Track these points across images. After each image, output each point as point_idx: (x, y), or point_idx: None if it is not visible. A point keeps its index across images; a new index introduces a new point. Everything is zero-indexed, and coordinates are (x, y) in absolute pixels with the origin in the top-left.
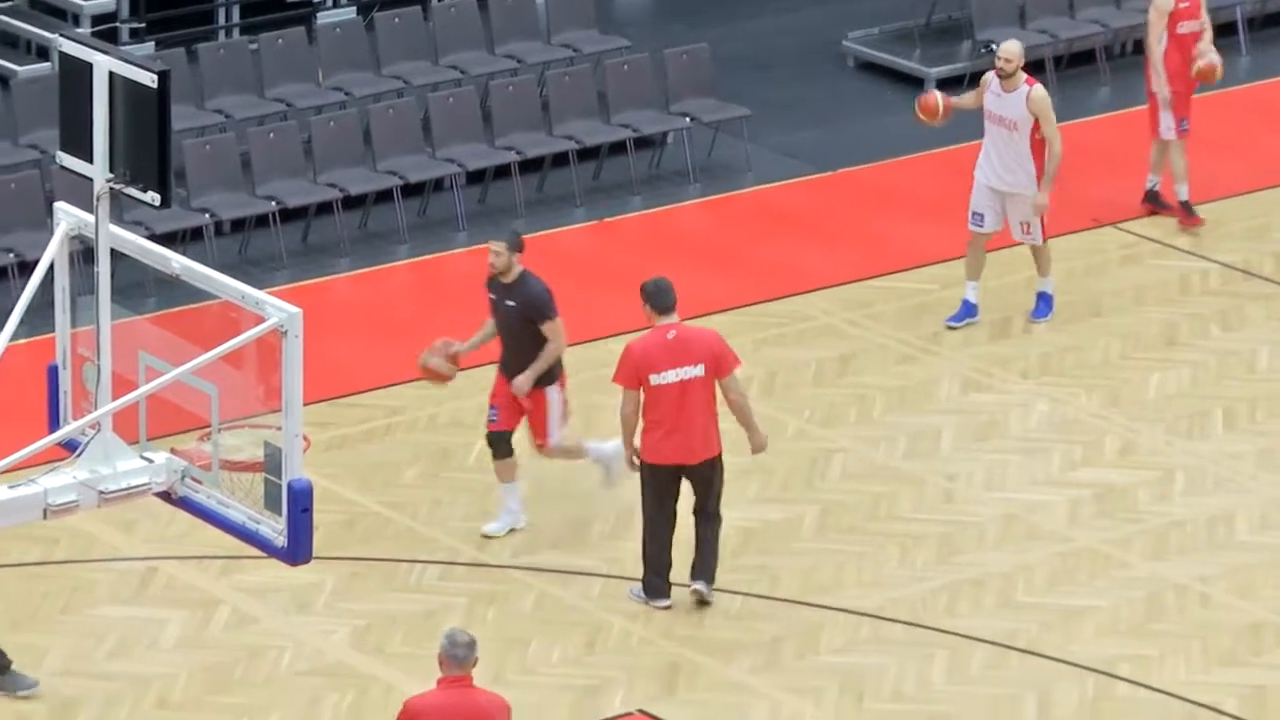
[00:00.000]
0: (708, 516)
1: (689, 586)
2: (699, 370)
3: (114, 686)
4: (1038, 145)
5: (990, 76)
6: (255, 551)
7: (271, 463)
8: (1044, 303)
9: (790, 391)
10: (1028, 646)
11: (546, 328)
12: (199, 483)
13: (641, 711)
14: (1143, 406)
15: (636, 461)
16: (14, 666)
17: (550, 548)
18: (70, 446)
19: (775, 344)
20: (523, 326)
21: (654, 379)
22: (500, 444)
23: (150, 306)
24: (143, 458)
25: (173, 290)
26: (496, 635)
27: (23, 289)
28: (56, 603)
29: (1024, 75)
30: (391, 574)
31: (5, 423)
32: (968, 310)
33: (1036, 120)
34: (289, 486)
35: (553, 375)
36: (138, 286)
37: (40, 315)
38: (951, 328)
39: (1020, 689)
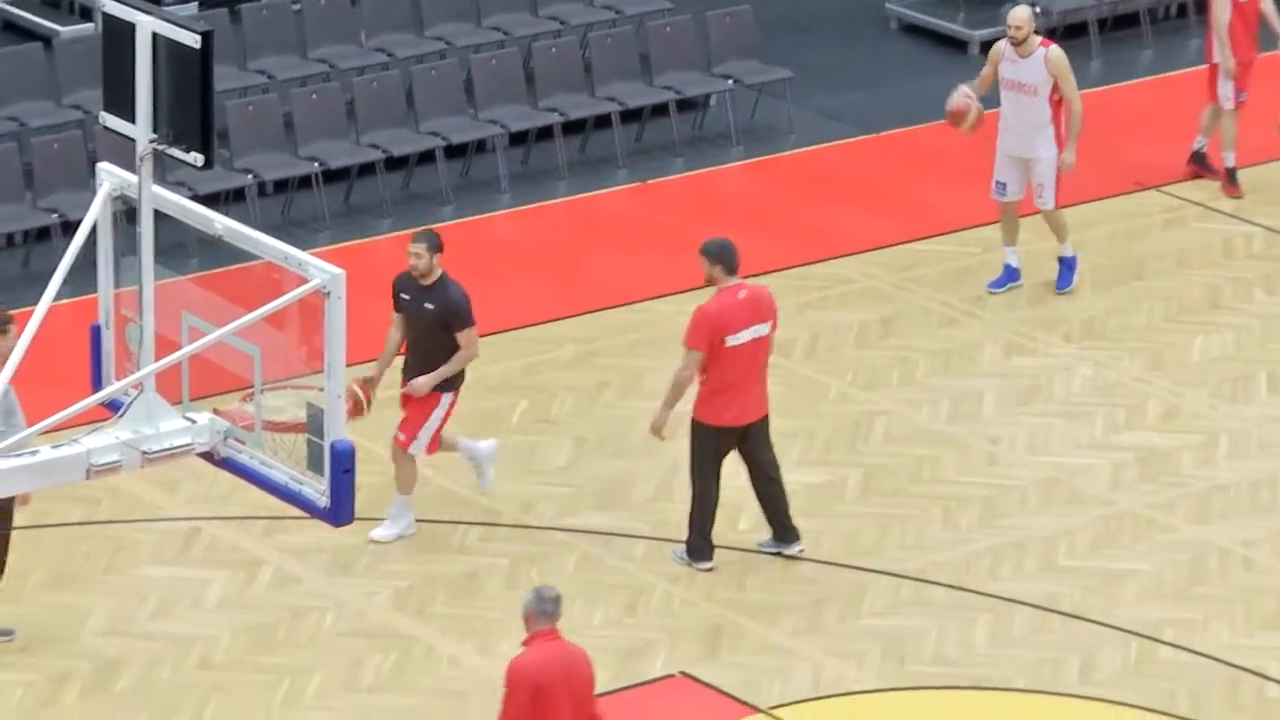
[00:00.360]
0: (771, 476)
1: (783, 553)
2: (767, 328)
3: (156, 647)
4: (1056, 107)
5: (1002, 45)
6: (298, 512)
7: (314, 424)
8: (1066, 269)
9: (833, 354)
10: (1071, 610)
11: (462, 335)
12: (242, 443)
13: (683, 674)
14: (1186, 370)
15: (666, 432)
16: None
17: (592, 509)
18: (113, 407)
19: (818, 306)
20: (439, 330)
21: (730, 341)
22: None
23: (193, 267)
24: (185, 418)
25: (215, 251)
26: None
27: (66, 249)
28: (99, 563)
29: (1038, 38)
30: (433, 535)
31: (48, 383)
32: (1009, 275)
33: (1055, 82)
34: (331, 447)
35: (454, 383)
36: (180, 247)
37: (83, 275)
38: (993, 293)
39: (1063, 652)
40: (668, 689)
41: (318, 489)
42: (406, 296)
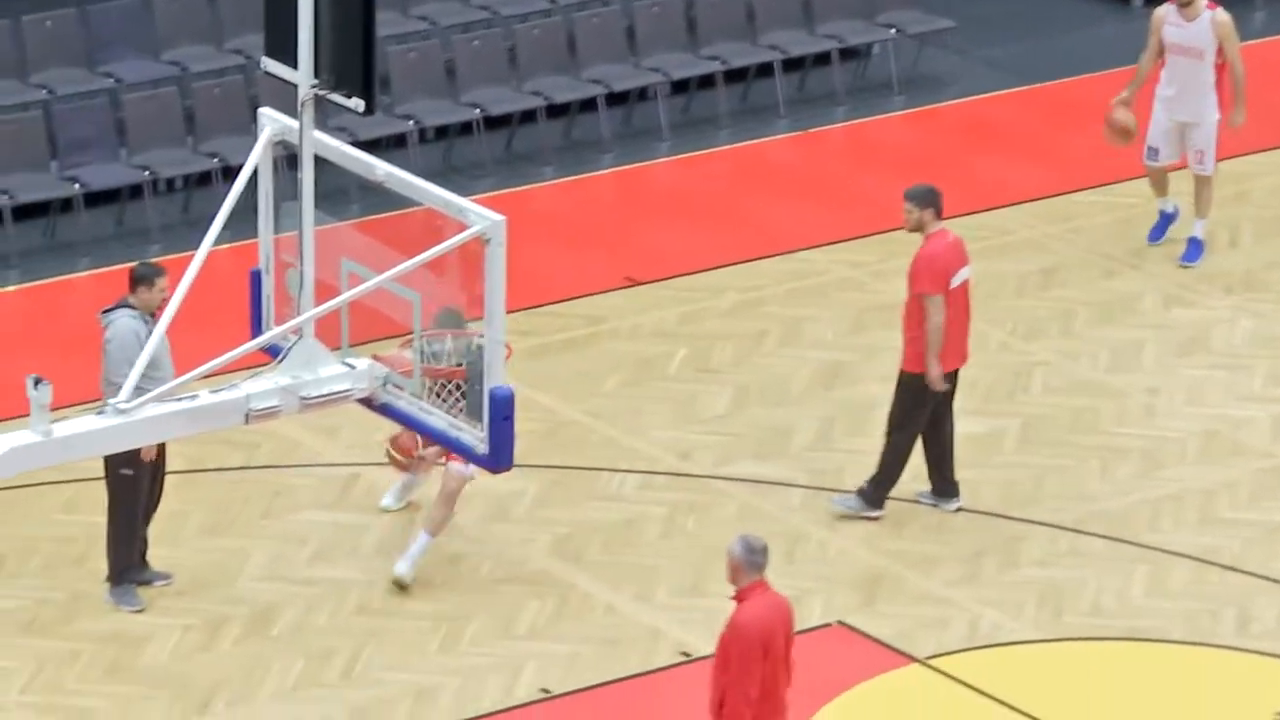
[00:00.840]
0: (946, 428)
1: (945, 508)
2: (969, 270)
3: (315, 592)
4: (1219, 71)
5: (1164, 10)
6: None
7: (473, 370)
8: (1194, 247)
9: (993, 303)
10: (1229, 563)
11: None
12: (400, 389)
13: (840, 623)
14: None
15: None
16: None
17: (751, 458)
18: (272, 352)
19: (978, 256)
20: None
21: (953, 282)
22: None
23: (353, 213)
24: (344, 364)
25: (375, 197)
26: (696, 545)
27: (226, 194)
28: (258, 507)
29: (1204, 1)
30: (592, 482)
31: (208, 327)
32: (1166, 220)
33: (1219, 45)
34: (490, 394)
35: None
36: (341, 193)
37: (244, 220)
38: (1154, 244)
39: (1220, 605)
40: (825, 638)
41: (476, 435)
42: None
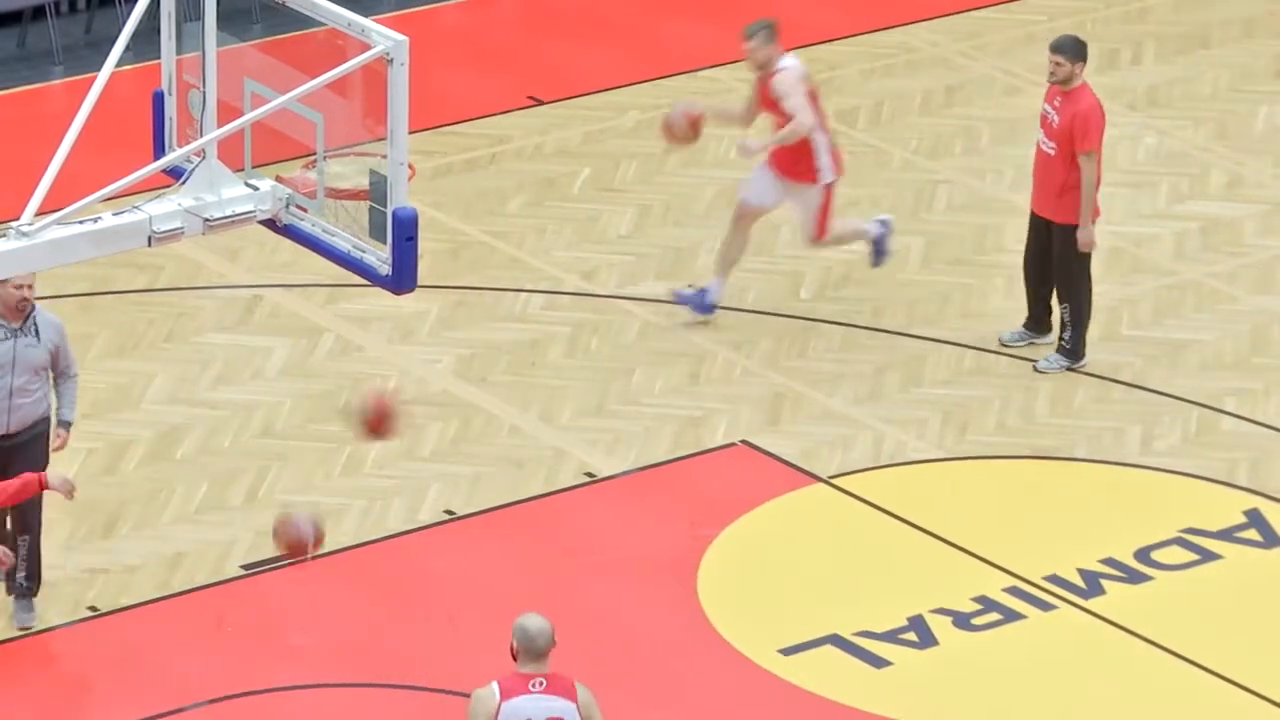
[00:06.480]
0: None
1: (1040, 341)
2: None
3: (218, 414)
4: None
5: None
6: (360, 280)
7: (376, 191)
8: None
9: (897, 122)
10: (1132, 380)
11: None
12: (304, 211)
13: (744, 442)
14: (1251, 139)
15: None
16: None
17: (654, 278)
18: (175, 174)
19: (883, 75)
20: None
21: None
22: None
23: (256, 33)
24: (248, 185)
25: (279, 17)
26: (600, 365)
27: (128, 15)
28: (161, 330)
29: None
30: (496, 303)
31: (110, 149)
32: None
33: None
34: (394, 215)
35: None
36: (243, 13)
37: (146, 41)
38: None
39: (1124, 422)
40: (729, 458)
41: (380, 257)
42: None
